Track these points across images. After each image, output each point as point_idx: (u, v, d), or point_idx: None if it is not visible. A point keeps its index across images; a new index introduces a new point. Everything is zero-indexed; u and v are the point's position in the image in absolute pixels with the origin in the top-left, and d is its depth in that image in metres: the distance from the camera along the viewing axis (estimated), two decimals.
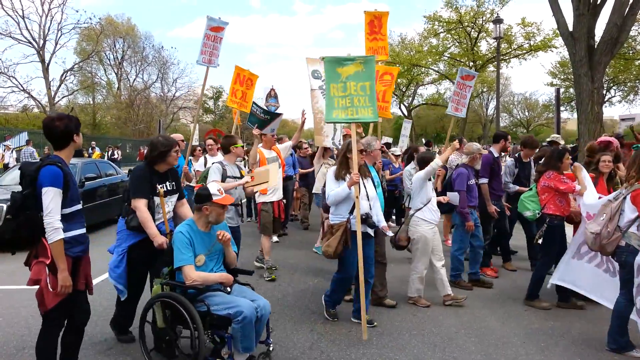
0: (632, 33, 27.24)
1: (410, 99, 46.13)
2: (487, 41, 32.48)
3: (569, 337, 4.99)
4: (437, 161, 5.69)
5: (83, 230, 3.56)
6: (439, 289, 5.89)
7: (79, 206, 3.52)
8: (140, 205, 4.27)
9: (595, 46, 13.82)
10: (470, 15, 31.64)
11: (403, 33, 41.97)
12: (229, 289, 4.03)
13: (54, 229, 3.21)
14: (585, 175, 5.58)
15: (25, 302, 5.95)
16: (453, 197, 6.39)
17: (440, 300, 5.94)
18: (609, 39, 13.36)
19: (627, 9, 13.89)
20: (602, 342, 4.72)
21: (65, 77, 38.86)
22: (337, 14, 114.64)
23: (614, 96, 37.88)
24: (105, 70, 47.72)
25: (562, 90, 36.45)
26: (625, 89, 35.78)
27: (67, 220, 3.35)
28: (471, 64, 33.67)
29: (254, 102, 6.90)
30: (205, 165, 8.12)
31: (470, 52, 32.68)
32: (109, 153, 23.22)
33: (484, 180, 7.03)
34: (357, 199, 4.84)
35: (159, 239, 4.23)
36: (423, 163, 5.87)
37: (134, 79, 49.04)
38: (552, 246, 5.80)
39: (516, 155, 7.38)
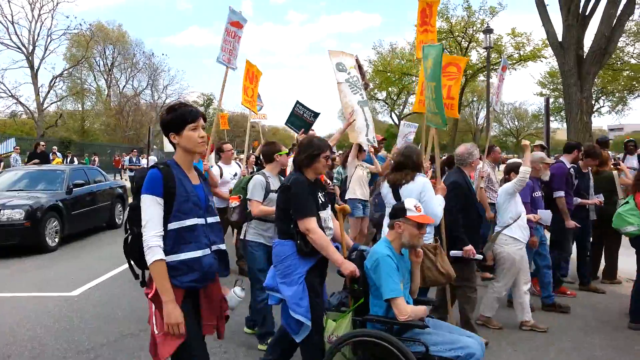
0: (620, 44, 27.62)
1: (402, 107, 46.34)
2: (477, 51, 32.76)
3: None
4: (527, 169, 5.10)
5: (197, 254, 2.60)
6: (517, 313, 5.32)
7: (194, 221, 2.63)
8: (313, 226, 3.47)
9: (584, 56, 13.97)
10: (461, 25, 31.91)
11: (394, 42, 42.20)
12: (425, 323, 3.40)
13: (148, 248, 2.49)
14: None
15: (12, 310, 5.85)
16: (545, 215, 5.69)
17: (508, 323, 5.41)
18: (597, 49, 13.52)
19: (615, 20, 14.06)
20: None
21: (55, 83, 38.56)
22: (331, 23, 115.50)
23: (603, 106, 38.32)
24: (94, 76, 47.47)
25: (551, 100, 36.85)
26: (614, 99, 36.22)
27: (174, 239, 2.55)
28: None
29: (298, 102, 6.03)
30: (221, 175, 7.21)
31: None
32: (68, 159, 22.24)
33: (560, 194, 6.40)
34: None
35: (349, 266, 3.50)
36: (512, 172, 5.38)
37: (124, 86, 48.82)
38: None
39: (574, 165, 6.84)
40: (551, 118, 38.48)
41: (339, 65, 6.54)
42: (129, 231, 2.66)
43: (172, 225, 2.54)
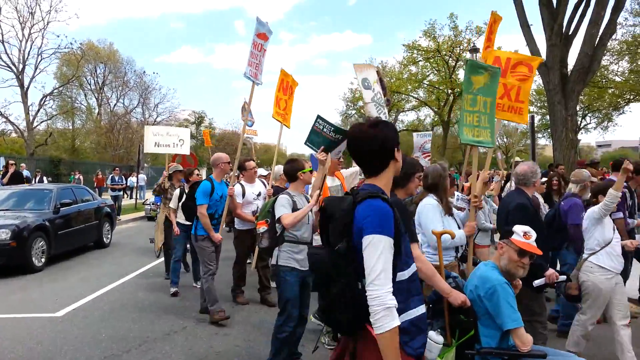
0: (604, 62, 28.15)
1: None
2: (464, 69, 33.20)
3: None
4: (616, 193, 4.64)
5: (423, 309, 2.19)
6: (618, 353, 4.62)
7: (414, 266, 2.23)
8: (417, 253, 3.00)
9: (568, 75, 14.25)
10: (448, 44, 32.41)
11: (384, 61, 42.75)
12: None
13: (386, 309, 1.88)
14: None
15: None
16: None
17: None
18: (581, 68, 13.79)
19: (597, 40, 14.38)
20: None
21: (45, 101, 38.45)
22: (321, 42, 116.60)
23: (589, 123, 38.84)
24: (85, 95, 47.44)
25: (538, 117, 37.33)
26: (600, 116, 36.71)
27: (401, 292, 2.05)
28: (449, 91, 34.34)
29: (318, 117, 5.22)
30: (243, 194, 6.86)
31: (449, 79, 33.36)
32: (37, 178, 21.66)
33: (619, 215, 5.90)
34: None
35: (459, 296, 3.17)
36: (599, 194, 4.99)
37: (115, 104, 48.79)
38: None
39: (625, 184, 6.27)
40: (539, 135, 39.02)
41: (365, 82, 6.15)
42: (339, 281, 2.02)
43: (402, 275, 2.10)
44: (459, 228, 4.29)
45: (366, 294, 1.92)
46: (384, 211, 1.99)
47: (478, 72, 4.49)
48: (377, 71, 6.51)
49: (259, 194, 6.99)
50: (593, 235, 4.79)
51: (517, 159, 8.61)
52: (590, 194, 5.49)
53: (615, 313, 4.65)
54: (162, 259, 9.15)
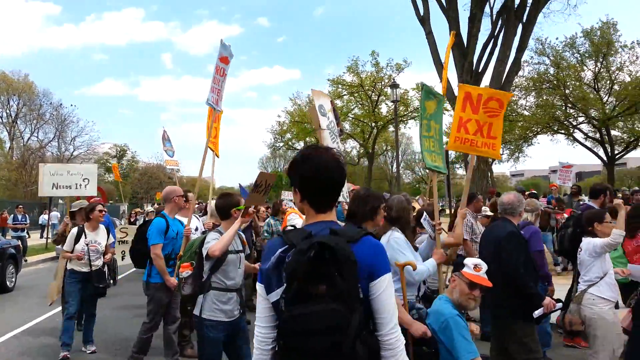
0: (513, 98, 30.30)
1: None
2: (386, 104, 34.53)
3: None
4: (621, 232, 4.46)
5: None
6: None
7: None
8: None
9: None
10: (370, 80, 33.63)
11: (310, 94, 43.74)
12: None
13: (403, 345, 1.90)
14: None
15: None
16: (636, 270, 5.02)
17: None
18: None
19: (504, 77, 15.50)
20: None
21: None
22: (250, 76, 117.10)
23: (502, 154, 41.39)
24: None
25: None
26: (511, 147, 39.22)
27: None
28: (373, 124, 35.47)
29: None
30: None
31: (372, 113, 34.50)
32: None
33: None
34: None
35: (420, 327, 3.22)
36: (595, 222, 4.77)
37: (29, 138, 46.01)
38: None
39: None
40: (457, 165, 40.96)
41: (321, 109, 5.98)
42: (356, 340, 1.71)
43: None
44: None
45: (388, 338, 1.81)
46: (383, 248, 1.91)
47: (430, 97, 4.55)
48: (330, 101, 6.46)
49: (196, 229, 6.19)
50: (594, 267, 4.55)
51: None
52: (577, 223, 5.32)
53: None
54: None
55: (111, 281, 5.74)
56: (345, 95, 35.60)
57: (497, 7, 16.74)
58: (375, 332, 1.81)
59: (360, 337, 1.69)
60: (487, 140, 5.30)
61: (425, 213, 4.94)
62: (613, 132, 32.74)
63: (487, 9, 16.68)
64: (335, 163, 1.93)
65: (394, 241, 3.91)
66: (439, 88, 15.54)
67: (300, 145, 43.26)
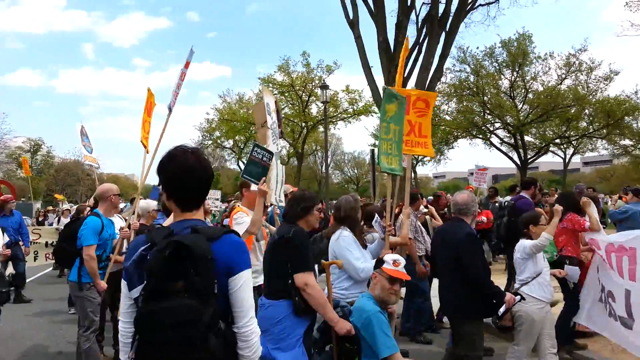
0: (436, 103, 31.56)
1: (249, 156, 46.92)
2: (316, 104, 34.82)
3: None
4: (549, 237, 4.66)
5: None
6: None
7: None
8: (312, 281, 3.29)
9: None
10: (301, 80, 33.76)
11: (241, 92, 43.08)
12: None
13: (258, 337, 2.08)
14: (594, 210, 5.57)
15: None
16: (572, 272, 5.35)
17: None
18: None
19: (427, 83, 16.11)
20: None
21: None
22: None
23: (425, 156, 43.03)
24: None
25: None
26: (434, 149, 40.90)
27: None
28: (303, 124, 35.65)
29: (256, 145, 4.79)
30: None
31: (302, 113, 34.65)
32: None
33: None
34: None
35: (345, 325, 3.31)
36: (530, 225, 4.97)
37: None
38: (576, 289, 5.50)
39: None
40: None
41: (268, 107, 5.84)
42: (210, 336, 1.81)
43: None
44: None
45: (244, 331, 1.92)
46: (246, 246, 2.01)
47: (391, 100, 4.59)
48: (275, 101, 6.31)
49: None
50: (526, 268, 4.76)
51: (370, 192, 9.26)
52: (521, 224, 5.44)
53: (544, 342, 4.70)
54: None
55: (12, 288, 5.29)
56: (276, 94, 35.50)
57: (422, 15, 17.36)
58: (233, 325, 1.92)
59: (214, 330, 1.79)
60: (419, 140, 5.56)
61: (377, 215, 5.07)
62: (526, 138, 34.99)
63: (413, 17, 17.24)
64: (200, 164, 2.01)
65: (342, 239, 4.08)
66: (367, 91, 15.87)
67: (229, 144, 42.70)
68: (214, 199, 11.41)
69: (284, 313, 3.32)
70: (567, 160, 39.92)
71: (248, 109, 37.93)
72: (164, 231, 1.94)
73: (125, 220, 6.06)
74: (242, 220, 4.77)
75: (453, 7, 16.56)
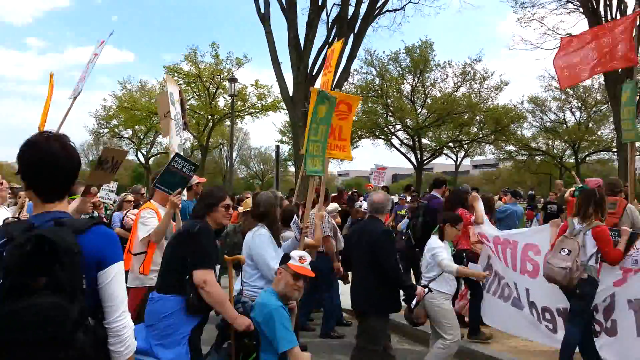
0: None
1: (149, 147, 44.95)
2: (224, 97, 34.23)
3: None
4: (453, 272, 4.85)
5: None
6: None
7: None
8: (211, 278, 3.25)
9: None
10: (209, 71, 32.97)
11: (144, 80, 41.05)
12: None
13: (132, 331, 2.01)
14: (481, 205, 5.98)
15: None
16: (475, 268, 5.56)
17: None
18: None
19: (334, 83, 16.51)
20: None
21: None
22: (77, 54, 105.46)
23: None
24: None
25: (290, 147, 40.67)
26: None
27: None
28: (209, 117, 34.88)
29: (177, 155, 4.63)
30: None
31: (209, 105, 33.88)
32: None
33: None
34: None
35: (244, 321, 3.33)
36: (447, 224, 5.16)
37: None
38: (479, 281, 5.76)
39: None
40: (290, 163, 42.40)
41: (171, 97, 5.58)
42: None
43: None
44: None
45: (115, 326, 1.85)
46: (116, 238, 1.94)
47: (323, 101, 4.58)
48: (179, 91, 6.07)
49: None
50: (435, 266, 4.93)
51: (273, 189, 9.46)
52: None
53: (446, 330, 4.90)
54: None
55: None
56: (181, 84, 34.34)
57: (333, 15, 17.75)
58: (103, 320, 1.86)
59: (82, 327, 1.72)
60: (338, 143, 5.66)
61: (295, 216, 5.09)
62: (423, 140, 37.08)
63: (324, 16, 17.57)
64: (65, 151, 1.89)
65: (257, 237, 4.04)
66: (276, 87, 15.91)
67: (128, 133, 40.62)
68: (108, 191, 10.61)
69: (173, 308, 3.24)
70: (458, 163, 42.83)
71: (151, 98, 36.36)
72: (22, 225, 1.80)
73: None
74: (148, 221, 4.48)
75: (362, 11, 17.11)
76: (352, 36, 17.11)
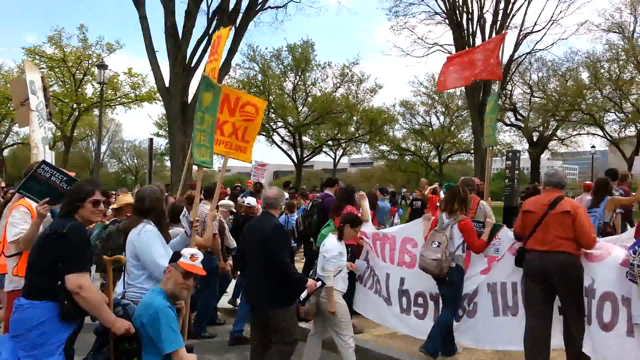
0: None
1: (4, 136, 40.35)
2: (92, 85, 31.76)
3: None
4: (328, 280, 4.76)
5: None
6: None
7: None
8: (87, 283, 3.01)
9: (188, 103, 15.37)
10: (75, 56, 30.35)
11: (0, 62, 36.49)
12: None
13: None
14: (366, 204, 6.24)
15: None
16: (361, 265, 5.65)
17: None
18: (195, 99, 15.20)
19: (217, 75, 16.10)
20: None
21: None
22: None
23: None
24: None
25: (166, 141, 38.98)
26: None
27: None
28: (75, 105, 32.18)
29: (45, 163, 4.29)
30: None
31: (75, 93, 31.21)
32: None
33: None
34: None
35: (123, 324, 3.10)
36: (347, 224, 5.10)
37: None
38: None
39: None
40: (166, 158, 40.68)
41: (32, 85, 5.10)
42: None
43: None
44: None
45: None
46: None
47: (208, 89, 4.51)
48: (42, 77, 5.51)
49: None
50: (331, 264, 4.92)
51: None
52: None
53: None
54: None
55: None
56: (43, 69, 31.15)
57: (214, 6, 17.29)
58: None
59: None
60: (240, 144, 5.64)
61: (185, 210, 4.84)
62: (304, 138, 37.87)
63: (204, 7, 17.05)
64: None
65: (144, 234, 3.77)
66: (151, 77, 15.12)
67: None
68: None
69: (45, 316, 2.97)
70: (336, 161, 44.38)
71: (7, 82, 32.57)
72: None
73: None
74: (18, 223, 4.17)
75: (244, 4, 16.88)
76: (233, 29, 16.79)
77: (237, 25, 17.03)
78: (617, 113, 31.30)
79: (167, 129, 39.35)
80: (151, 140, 13.15)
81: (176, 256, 3.39)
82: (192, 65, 16.72)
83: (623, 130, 32.43)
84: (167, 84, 15.52)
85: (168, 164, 44.19)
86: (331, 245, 5.00)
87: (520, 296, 4.95)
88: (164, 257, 3.70)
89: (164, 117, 39.93)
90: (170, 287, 3.31)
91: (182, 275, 3.31)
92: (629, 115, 29.94)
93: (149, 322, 3.14)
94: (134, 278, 3.76)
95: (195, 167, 6.01)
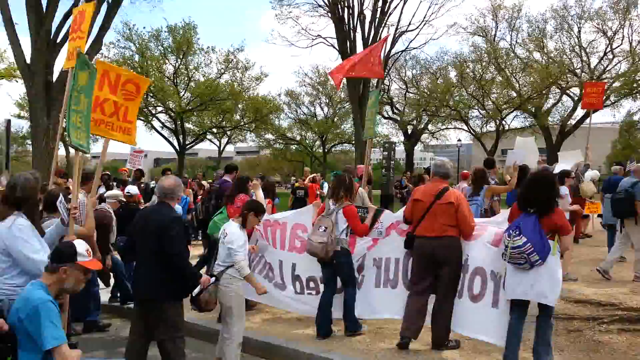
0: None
1: None
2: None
3: None
4: (245, 273, 4.87)
5: None
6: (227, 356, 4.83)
7: None
8: None
9: (53, 83, 14.15)
10: None
11: None
12: None
13: None
14: (260, 193, 6.43)
15: None
16: (264, 246, 6.05)
17: None
18: (66, 78, 14.00)
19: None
20: None
21: None
22: None
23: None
24: None
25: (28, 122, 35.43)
26: None
27: None
28: None
29: None
30: None
31: None
32: None
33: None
34: None
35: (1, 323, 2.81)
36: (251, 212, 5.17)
37: None
38: None
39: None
40: (28, 142, 37.00)
41: None
42: None
43: None
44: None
45: None
46: None
47: (84, 68, 4.31)
48: None
49: None
50: (243, 253, 4.92)
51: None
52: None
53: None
54: None
55: None
56: None
57: None
58: None
59: None
60: (123, 124, 5.41)
61: (61, 195, 4.43)
62: (187, 125, 36.62)
63: None
64: None
65: (17, 229, 3.48)
66: (10, 52, 13.61)
67: None
68: None
69: None
70: (222, 149, 43.66)
71: None
72: None
73: None
74: None
75: None
76: (105, 4, 15.69)
77: (109, 2, 15.96)
78: (479, 110, 34.56)
79: (28, 110, 36.02)
80: (8, 122, 11.77)
81: (61, 254, 3.17)
82: (58, 41, 15.38)
83: (485, 125, 35.88)
84: (28, 61, 14.13)
85: (31, 148, 40.34)
86: (235, 236, 4.97)
87: (401, 272, 5.51)
88: (40, 251, 3.51)
89: (25, 97, 36.36)
90: (69, 285, 3.16)
91: (82, 272, 3.20)
92: (490, 112, 33.15)
93: (28, 317, 2.93)
94: (2, 273, 3.50)
95: (72, 151, 5.73)
